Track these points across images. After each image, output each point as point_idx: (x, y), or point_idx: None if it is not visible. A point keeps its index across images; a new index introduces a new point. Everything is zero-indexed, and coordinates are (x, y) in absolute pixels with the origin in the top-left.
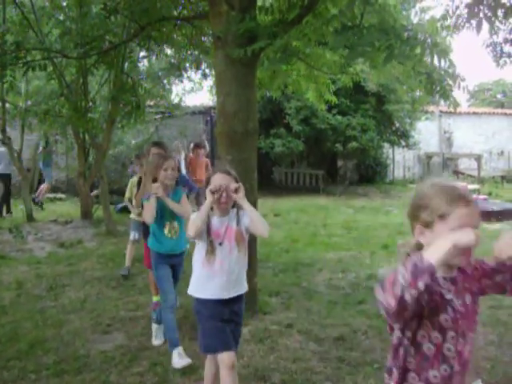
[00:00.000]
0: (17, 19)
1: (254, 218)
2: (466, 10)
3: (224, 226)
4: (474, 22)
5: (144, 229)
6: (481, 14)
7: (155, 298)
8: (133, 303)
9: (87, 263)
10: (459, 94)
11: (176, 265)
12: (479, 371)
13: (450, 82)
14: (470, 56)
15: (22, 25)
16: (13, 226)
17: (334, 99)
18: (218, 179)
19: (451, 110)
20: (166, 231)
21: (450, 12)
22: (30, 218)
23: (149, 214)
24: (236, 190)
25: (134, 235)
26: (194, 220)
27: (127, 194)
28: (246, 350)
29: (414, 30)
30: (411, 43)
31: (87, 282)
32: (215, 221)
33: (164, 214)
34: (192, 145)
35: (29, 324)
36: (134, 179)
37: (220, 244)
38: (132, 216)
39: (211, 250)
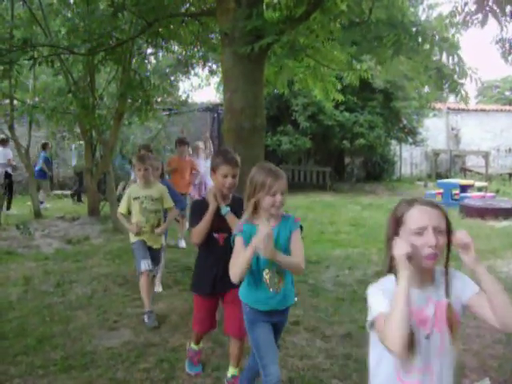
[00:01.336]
0: (24, 16)
1: (497, 297)
2: (475, 6)
3: (431, 304)
4: (480, 16)
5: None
6: (487, 8)
7: (232, 371)
8: (139, 300)
9: (94, 260)
10: (469, 90)
11: (277, 323)
12: (487, 369)
13: (460, 80)
14: (477, 53)
15: (30, 21)
16: (20, 223)
17: (340, 97)
18: (421, 218)
19: (459, 106)
20: (265, 281)
21: (459, 8)
22: (37, 214)
23: (241, 266)
24: (465, 246)
25: (145, 265)
26: (393, 309)
27: (123, 209)
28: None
29: (421, 26)
30: (419, 37)
31: (94, 278)
32: (414, 295)
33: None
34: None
35: (36, 320)
36: (133, 187)
37: (427, 337)
38: (133, 240)
39: (412, 348)
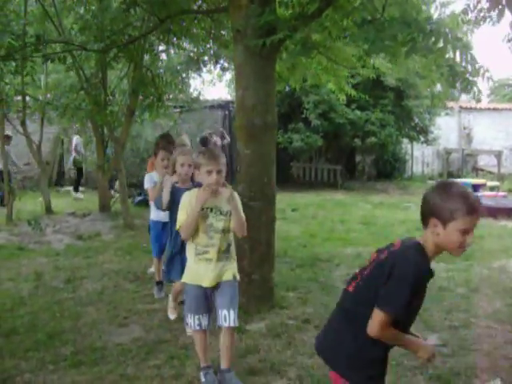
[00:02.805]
0: (37, 12)
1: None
2: (488, 4)
3: None
4: (494, 14)
5: None
6: (503, 3)
7: None
8: (150, 296)
9: (105, 256)
10: (482, 88)
11: None
12: (498, 370)
13: (473, 78)
14: (489, 52)
15: (43, 18)
16: (31, 218)
17: (352, 92)
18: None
19: (471, 105)
20: None
21: (472, 6)
22: (48, 210)
23: None
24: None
25: (196, 323)
26: None
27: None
28: (263, 344)
29: (435, 24)
30: (434, 36)
31: (105, 274)
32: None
33: None
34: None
35: (47, 315)
36: (194, 194)
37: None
38: (186, 279)
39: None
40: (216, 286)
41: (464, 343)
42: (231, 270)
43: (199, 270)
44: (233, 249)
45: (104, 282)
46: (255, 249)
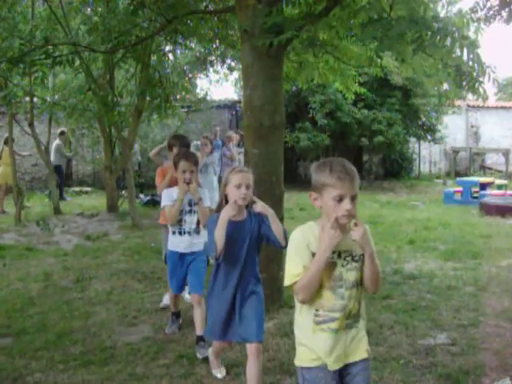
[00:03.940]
0: (45, 14)
1: None
2: (497, 2)
3: None
4: (504, 13)
5: None
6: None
7: None
8: (158, 296)
9: (113, 256)
10: (487, 88)
11: None
12: (507, 369)
13: (480, 78)
14: (497, 49)
15: (50, 20)
16: (40, 219)
17: (361, 90)
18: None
19: (478, 104)
20: None
21: (481, 4)
22: (56, 210)
23: None
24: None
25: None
26: None
27: (299, 275)
28: (272, 343)
29: (443, 22)
30: (441, 34)
31: (113, 274)
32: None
33: None
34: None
35: (56, 315)
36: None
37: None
38: (307, 362)
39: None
40: (343, 368)
41: (473, 342)
42: (365, 343)
43: (321, 346)
44: (364, 310)
45: (113, 281)
46: (263, 248)
